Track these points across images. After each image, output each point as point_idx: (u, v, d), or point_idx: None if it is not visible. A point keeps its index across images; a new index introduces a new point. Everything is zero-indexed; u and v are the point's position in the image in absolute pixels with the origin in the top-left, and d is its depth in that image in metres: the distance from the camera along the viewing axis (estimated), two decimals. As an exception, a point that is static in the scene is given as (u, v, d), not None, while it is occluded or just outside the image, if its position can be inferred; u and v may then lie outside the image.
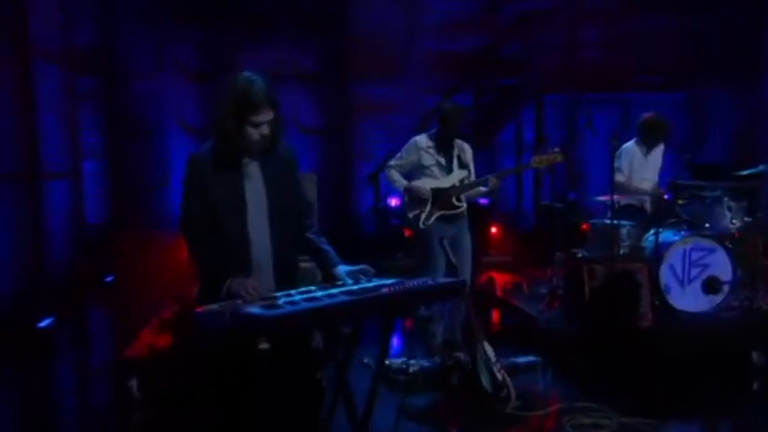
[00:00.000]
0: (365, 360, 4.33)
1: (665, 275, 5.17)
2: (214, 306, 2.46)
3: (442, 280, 3.04)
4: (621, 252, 5.31)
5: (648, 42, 8.93)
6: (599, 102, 9.23)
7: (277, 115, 2.69)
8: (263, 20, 8.79)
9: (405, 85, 9.09)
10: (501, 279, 7.48)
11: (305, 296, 2.56)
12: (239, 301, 2.51)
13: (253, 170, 2.77)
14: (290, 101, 8.79)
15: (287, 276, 2.79)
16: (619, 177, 5.56)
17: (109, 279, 7.45)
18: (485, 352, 4.19)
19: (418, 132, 5.17)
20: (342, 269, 2.87)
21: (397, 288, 2.69)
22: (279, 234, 2.76)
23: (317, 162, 8.99)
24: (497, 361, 4.20)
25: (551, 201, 7.19)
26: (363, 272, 2.85)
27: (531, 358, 4.77)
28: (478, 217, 8.51)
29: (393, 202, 8.51)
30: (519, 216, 9.21)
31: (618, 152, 5.61)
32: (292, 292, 2.63)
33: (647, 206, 5.67)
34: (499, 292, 6.97)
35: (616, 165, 5.49)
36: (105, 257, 7.47)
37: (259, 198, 2.75)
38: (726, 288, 5.19)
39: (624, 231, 5.42)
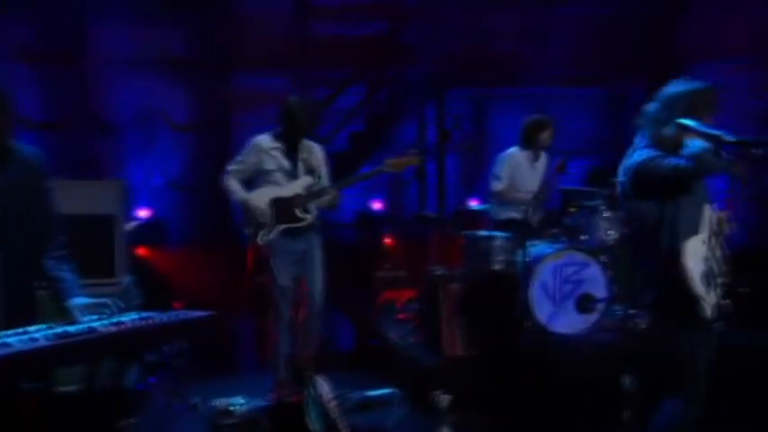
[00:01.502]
0: (194, 401, 4.07)
1: (535, 293, 4.77)
2: None
3: (192, 314, 2.53)
4: (496, 267, 4.89)
5: (563, 34, 8.26)
6: (510, 97, 8.58)
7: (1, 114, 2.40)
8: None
9: (293, 74, 8.01)
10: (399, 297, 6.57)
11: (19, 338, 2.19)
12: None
13: None
14: (157, 91, 7.60)
15: (19, 308, 2.46)
16: (496, 186, 5.29)
17: None
18: (316, 387, 3.78)
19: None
20: (77, 302, 2.54)
21: (127, 326, 2.36)
22: (8, 255, 2.44)
23: (189, 162, 7.81)
24: (335, 397, 3.83)
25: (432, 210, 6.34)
26: (103, 306, 2.52)
27: (385, 391, 4.33)
28: (370, 226, 7.60)
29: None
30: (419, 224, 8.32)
31: (500, 157, 5.37)
32: (30, 329, 2.27)
33: (531, 217, 5.16)
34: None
35: (494, 172, 5.25)
36: None
37: None
38: (600, 306, 4.87)
39: (498, 244, 4.97)
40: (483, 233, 5.13)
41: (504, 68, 8.11)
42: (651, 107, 3.17)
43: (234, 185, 4.36)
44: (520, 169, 5.34)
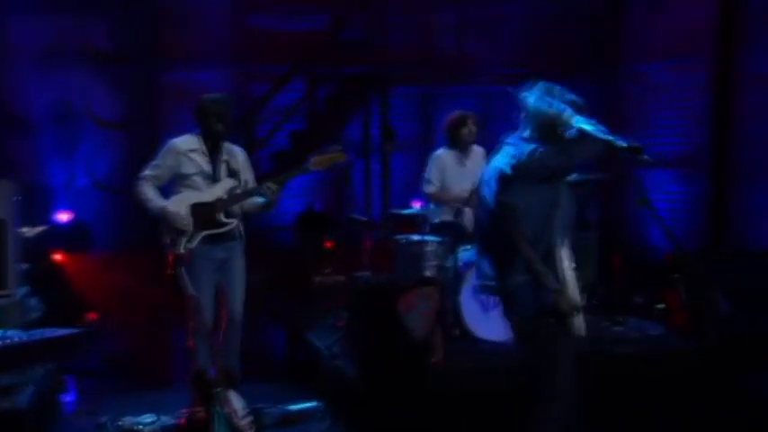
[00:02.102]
0: (102, 419, 3.93)
1: (465, 300, 4.58)
2: None
3: (58, 332, 2.34)
4: (427, 273, 4.67)
5: (509, 32, 8.07)
6: (457, 95, 8.34)
7: None
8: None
9: (227, 69, 7.58)
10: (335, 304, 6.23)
11: None
12: None
13: None
14: (79, 86, 7.08)
15: None
16: (427, 188, 5.17)
17: None
18: (226, 404, 3.48)
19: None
20: None
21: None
22: None
23: (117, 161, 7.30)
24: (250, 413, 3.61)
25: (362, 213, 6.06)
26: None
27: (308, 405, 4.21)
28: (310, 229, 7.23)
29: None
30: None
31: (430, 158, 5.23)
32: None
33: (465, 219, 5.02)
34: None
35: (425, 174, 5.14)
36: None
37: None
38: None
39: (430, 249, 4.76)
40: (414, 237, 4.95)
41: (451, 66, 7.86)
42: (542, 102, 3.04)
43: (149, 193, 4.12)
44: (448, 169, 5.20)
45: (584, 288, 3.14)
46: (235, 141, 4.44)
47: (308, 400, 4.25)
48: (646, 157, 2.74)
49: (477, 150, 5.22)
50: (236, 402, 3.54)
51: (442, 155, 5.24)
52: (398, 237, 5.07)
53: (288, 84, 7.37)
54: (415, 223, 5.21)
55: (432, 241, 4.83)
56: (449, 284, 4.64)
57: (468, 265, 4.67)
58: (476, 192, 4.97)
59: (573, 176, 5.27)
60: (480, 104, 8.44)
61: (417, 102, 8.27)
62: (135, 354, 5.37)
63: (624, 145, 2.77)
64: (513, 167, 2.95)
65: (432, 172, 5.20)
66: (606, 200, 7.47)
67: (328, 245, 6.80)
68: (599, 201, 6.63)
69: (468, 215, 4.98)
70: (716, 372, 4.52)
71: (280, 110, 7.54)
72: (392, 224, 5.52)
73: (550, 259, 2.91)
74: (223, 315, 4.17)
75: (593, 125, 2.88)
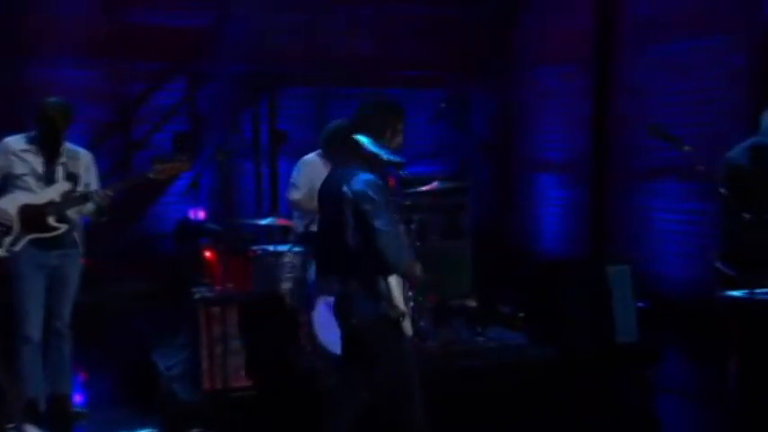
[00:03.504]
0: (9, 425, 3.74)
1: (320, 314, 4.28)
2: None
3: None
4: (285, 287, 4.48)
5: (404, 32, 7.89)
6: (352, 97, 8.11)
7: None
8: None
9: (101, 67, 7.07)
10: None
11: None
12: None
13: None
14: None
15: None
16: (293, 194, 4.88)
17: None
18: None
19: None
20: None
21: None
22: None
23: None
24: None
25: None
26: None
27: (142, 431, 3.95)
28: (188, 237, 6.82)
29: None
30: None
31: (299, 163, 5.01)
32: None
33: None
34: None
35: (291, 179, 4.93)
36: None
37: None
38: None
39: (288, 261, 4.56)
40: (271, 248, 4.70)
41: (342, 67, 7.61)
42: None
43: None
44: (320, 176, 4.86)
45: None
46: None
47: (143, 427, 3.97)
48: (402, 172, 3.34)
49: None
50: None
51: (314, 161, 4.95)
52: (255, 248, 4.80)
53: (168, 83, 6.95)
54: (279, 233, 4.92)
55: (289, 252, 4.57)
56: (304, 299, 4.38)
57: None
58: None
59: (439, 185, 5.18)
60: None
61: (310, 103, 7.97)
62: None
63: (387, 159, 3.12)
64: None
65: (299, 177, 4.90)
66: (487, 206, 7.44)
67: (208, 255, 6.38)
68: (475, 208, 6.58)
69: None
70: (570, 379, 4.51)
71: (162, 110, 7.11)
72: (242, 234, 5.20)
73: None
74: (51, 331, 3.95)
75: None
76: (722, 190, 3.30)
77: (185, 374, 4.32)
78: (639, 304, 5.26)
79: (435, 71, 8.11)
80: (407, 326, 3.10)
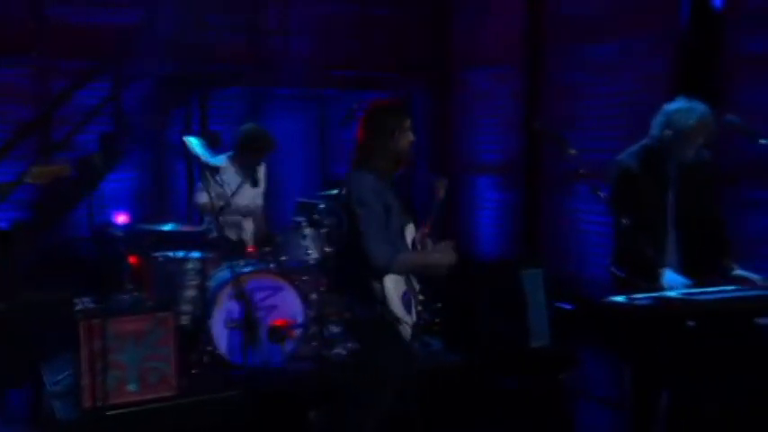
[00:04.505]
0: None
1: (217, 324, 4.23)
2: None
3: None
4: (187, 294, 4.41)
5: (339, 32, 7.82)
6: (288, 98, 8.00)
7: None
8: None
9: (22, 64, 6.85)
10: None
11: None
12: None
13: None
14: None
15: None
16: (202, 199, 4.74)
17: None
18: None
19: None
20: None
21: None
22: None
23: None
24: None
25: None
26: None
27: None
28: (104, 242, 6.62)
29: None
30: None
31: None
32: None
33: (246, 236, 4.82)
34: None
35: (199, 183, 4.83)
36: None
37: None
38: (296, 333, 4.50)
39: (191, 267, 4.44)
40: (173, 254, 4.60)
41: (276, 67, 7.48)
42: None
43: None
44: (228, 180, 4.83)
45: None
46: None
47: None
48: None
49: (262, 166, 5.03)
50: None
51: (221, 164, 4.85)
52: (156, 254, 4.65)
53: (93, 82, 6.75)
54: (184, 239, 4.79)
55: (192, 258, 4.43)
56: (203, 306, 4.25)
57: (221, 285, 4.30)
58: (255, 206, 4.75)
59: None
60: (314, 108, 8.18)
61: (243, 104, 7.83)
62: None
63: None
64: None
65: (206, 181, 4.72)
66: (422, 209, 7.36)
67: (132, 260, 6.20)
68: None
69: (249, 229, 4.64)
70: (484, 384, 4.48)
71: (85, 110, 6.91)
72: (144, 240, 5.04)
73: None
74: None
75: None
76: (601, 194, 3.28)
77: (69, 391, 4.12)
78: (567, 307, 5.24)
79: (374, 72, 8.02)
80: (405, 330, 3.00)
